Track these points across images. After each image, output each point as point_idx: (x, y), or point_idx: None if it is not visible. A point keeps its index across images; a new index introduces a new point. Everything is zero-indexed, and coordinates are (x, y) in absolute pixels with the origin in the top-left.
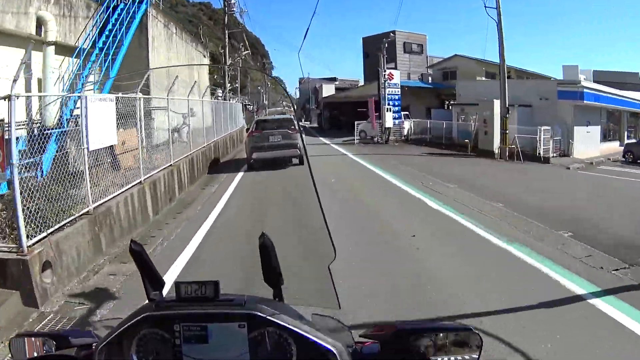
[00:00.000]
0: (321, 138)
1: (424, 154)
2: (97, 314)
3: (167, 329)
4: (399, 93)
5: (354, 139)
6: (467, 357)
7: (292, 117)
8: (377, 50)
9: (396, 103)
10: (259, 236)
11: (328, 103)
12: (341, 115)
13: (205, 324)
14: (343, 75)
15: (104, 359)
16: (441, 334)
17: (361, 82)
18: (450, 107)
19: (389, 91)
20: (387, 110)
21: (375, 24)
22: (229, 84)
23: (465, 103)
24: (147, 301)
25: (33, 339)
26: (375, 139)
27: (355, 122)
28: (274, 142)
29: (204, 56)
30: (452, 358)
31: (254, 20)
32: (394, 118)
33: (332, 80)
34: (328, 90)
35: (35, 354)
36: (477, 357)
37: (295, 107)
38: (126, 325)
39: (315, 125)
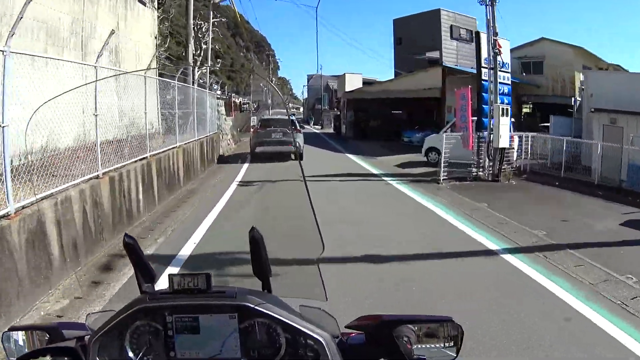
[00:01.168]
0: (350, 156)
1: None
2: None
3: (160, 321)
4: (510, 82)
5: (430, 166)
6: (448, 346)
7: (293, 118)
8: (414, 33)
9: (506, 100)
10: (249, 230)
11: (353, 101)
12: (370, 118)
13: (197, 315)
14: (365, 72)
15: (97, 351)
16: (424, 325)
17: (383, 79)
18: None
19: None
20: (503, 114)
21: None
22: (199, 67)
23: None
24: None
25: (25, 332)
26: (474, 170)
27: (446, 136)
28: (274, 138)
29: (144, 3)
30: (435, 347)
31: None
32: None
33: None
34: (353, 82)
35: (27, 348)
36: (459, 346)
37: (302, 109)
38: (120, 317)
39: (330, 130)
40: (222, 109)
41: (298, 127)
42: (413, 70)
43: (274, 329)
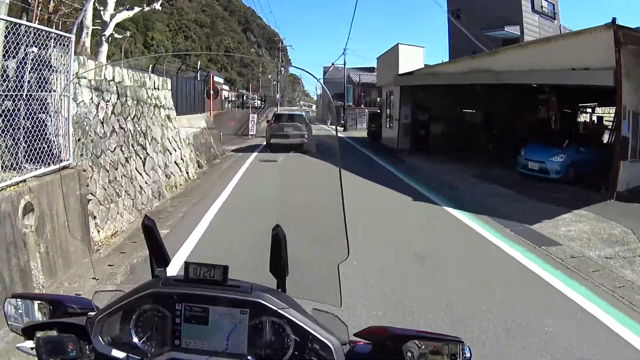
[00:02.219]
0: (467, 221)
1: None
2: None
3: (169, 307)
4: None
5: None
6: None
7: (303, 113)
8: (479, 3)
9: None
10: (272, 228)
11: (411, 90)
12: (431, 120)
13: (208, 307)
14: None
15: (100, 330)
16: (433, 342)
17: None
18: None
19: None
20: None
21: None
22: None
23: None
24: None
25: (28, 301)
26: None
27: None
28: (287, 131)
29: None
30: None
31: None
32: None
33: (372, 70)
34: (409, 60)
35: (28, 317)
36: None
37: (315, 106)
38: (129, 299)
39: (360, 134)
40: (166, 97)
41: (307, 122)
42: (475, 52)
43: (284, 329)
